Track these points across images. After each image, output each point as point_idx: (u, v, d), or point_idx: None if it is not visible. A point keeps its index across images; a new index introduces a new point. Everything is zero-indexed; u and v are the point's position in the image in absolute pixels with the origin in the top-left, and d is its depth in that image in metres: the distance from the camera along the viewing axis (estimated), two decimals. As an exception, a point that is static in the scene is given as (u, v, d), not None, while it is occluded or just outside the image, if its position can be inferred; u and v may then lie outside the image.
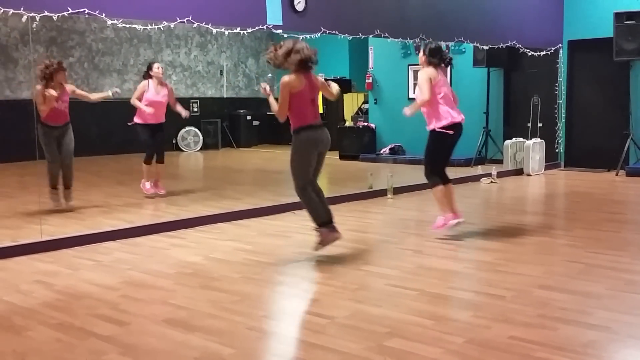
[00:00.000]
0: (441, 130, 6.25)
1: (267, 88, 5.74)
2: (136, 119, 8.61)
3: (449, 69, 12.42)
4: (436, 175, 6.36)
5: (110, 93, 8.40)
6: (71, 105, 7.78)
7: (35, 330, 4.05)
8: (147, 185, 8.72)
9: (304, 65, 5.47)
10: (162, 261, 5.69)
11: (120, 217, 7.47)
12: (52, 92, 7.34)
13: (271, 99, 5.67)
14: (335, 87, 5.92)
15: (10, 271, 5.42)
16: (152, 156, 8.65)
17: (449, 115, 6.26)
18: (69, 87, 7.79)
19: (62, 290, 4.85)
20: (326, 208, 5.69)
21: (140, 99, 8.52)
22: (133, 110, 8.65)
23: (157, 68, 8.61)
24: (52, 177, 7.76)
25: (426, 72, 6.27)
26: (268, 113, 17.49)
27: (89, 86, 14.63)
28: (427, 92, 6.17)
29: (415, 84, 12.44)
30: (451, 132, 6.26)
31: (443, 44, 11.73)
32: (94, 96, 8.36)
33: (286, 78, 5.44)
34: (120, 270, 5.40)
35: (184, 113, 8.76)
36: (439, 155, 6.39)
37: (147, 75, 8.64)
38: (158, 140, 8.69)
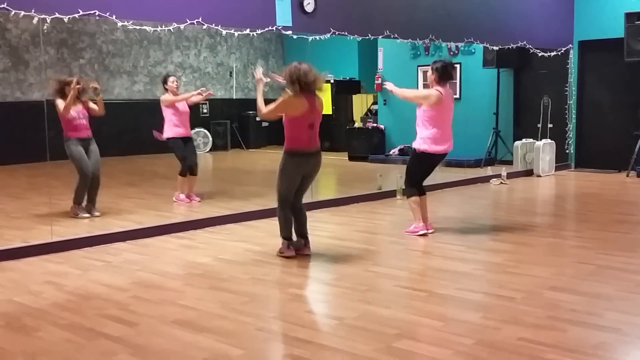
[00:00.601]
0: (422, 152, 6.36)
1: (260, 72, 5.81)
2: (167, 135, 8.48)
3: (458, 68, 12.56)
4: (414, 187, 6.53)
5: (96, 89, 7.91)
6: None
7: (45, 331, 4.08)
8: (182, 196, 8.63)
9: (307, 88, 5.47)
10: (172, 262, 5.71)
11: (130, 218, 7.50)
12: (60, 104, 7.36)
13: (259, 93, 5.71)
14: None
15: (21, 272, 5.45)
16: (189, 169, 8.59)
17: (435, 143, 6.31)
18: (85, 100, 7.72)
19: (72, 291, 4.87)
20: (300, 226, 5.82)
21: (173, 108, 8.45)
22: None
23: (172, 82, 8.54)
24: (80, 192, 7.59)
25: (434, 93, 6.28)
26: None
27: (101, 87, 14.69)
28: (417, 97, 6.35)
29: (424, 85, 12.46)
30: (429, 155, 6.38)
31: (452, 45, 11.83)
32: (98, 106, 7.91)
33: (289, 96, 5.49)
34: (129, 271, 5.42)
35: (205, 94, 8.75)
36: (419, 174, 6.56)
37: (164, 89, 8.62)
38: (191, 153, 8.63)
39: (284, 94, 5.57)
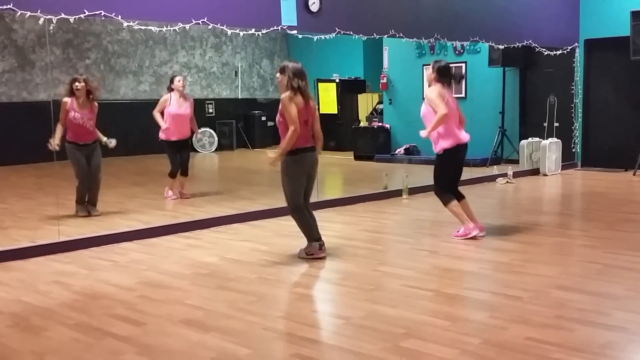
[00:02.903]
0: (447, 150, 6.20)
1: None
2: (161, 135, 8.62)
3: (464, 67, 12.54)
4: (447, 191, 6.35)
5: (107, 143, 7.89)
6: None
7: (53, 330, 4.09)
8: (170, 192, 8.84)
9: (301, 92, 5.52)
10: (178, 262, 5.72)
11: (137, 217, 7.51)
12: (54, 143, 7.26)
13: (284, 147, 5.54)
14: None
15: (29, 272, 5.47)
16: (177, 172, 8.73)
17: (454, 135, 6.20)
18: (94, 104, 7.65)
19: (80, 291, 4.88)
20: (317, 228, 5.78)
21: (162, 113, 8.56)
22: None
23: (178, 81, 8.64)
24: (80, 194, 7.67)
25: (436, 89, 6.18)
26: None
27: (105, 87, 14.73)
28: (444, 107, 6.06)
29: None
30: (456, 152, 6.23)
31: (458, 44, 11.81)
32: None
33: (287, 94, 5.47)
34: (136, 270, 5.43)
35: (195, 131, 8.91)
36: (448, 175, 6.36)
37: (169, 89, 8.68)
38: (184, 157, 8.74)
39: (283, 98, 5.53)
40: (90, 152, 7.62)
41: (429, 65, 6.43)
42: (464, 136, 6.29)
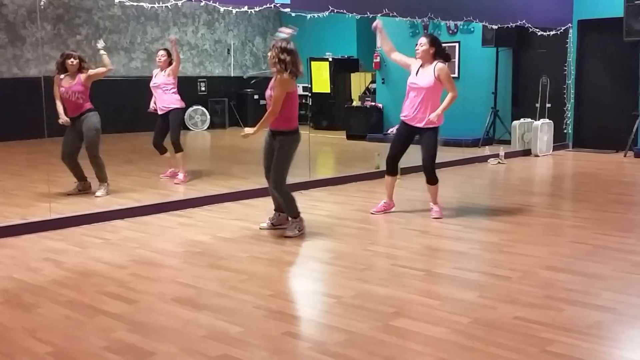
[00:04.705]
0: (436, 128, 6.32)
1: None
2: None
3: (457, 47, 12.51)
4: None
5: (100, 47, 8.04)
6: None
7: (44, 307, 4.10)
8: (168, 172, 8.72)
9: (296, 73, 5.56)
10: (170, 240, 5.73)
11: (128, 195, 7.50)
12: (62, 118, 7.31)
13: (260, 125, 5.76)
14: None
15: (20, 249, 5.47)
16: (157, 146, 8.58)
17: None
18: (83, 75, 7.49)
19: (71, 268, 4.89)
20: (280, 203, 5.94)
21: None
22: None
23: (157, 57, 8.64)
24: (70, 169, 7.61)
25: (446, 67, 6.16)
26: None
27: (96, 65, 14.58)
28: (456, 90, 6.12)
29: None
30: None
31: (451, 23, 11.76)
32: (104, 68, 7.92)
33: (287, 76, 5.49)
34: (128, 248, 5.44)
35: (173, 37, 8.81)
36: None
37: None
38: (168, 128, 8.47)
39: (277, 78, 5.54)
40: (80, 129, 7.47)
41: (421, 46, 6.20)
42: None
